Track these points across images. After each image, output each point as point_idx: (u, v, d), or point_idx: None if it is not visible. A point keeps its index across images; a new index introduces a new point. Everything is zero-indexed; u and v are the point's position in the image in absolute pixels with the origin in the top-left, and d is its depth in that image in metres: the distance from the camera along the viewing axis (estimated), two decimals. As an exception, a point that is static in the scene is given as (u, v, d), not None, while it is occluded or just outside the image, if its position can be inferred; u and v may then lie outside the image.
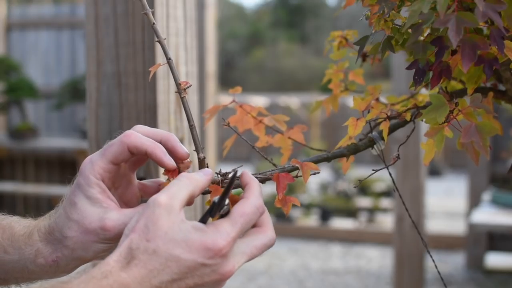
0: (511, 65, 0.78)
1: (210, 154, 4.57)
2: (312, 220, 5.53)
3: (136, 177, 0.81)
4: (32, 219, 0.80)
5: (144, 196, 0.81)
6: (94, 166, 0.73)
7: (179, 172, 0.78)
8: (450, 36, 0.63)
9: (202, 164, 0.77)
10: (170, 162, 0.74)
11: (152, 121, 1.05)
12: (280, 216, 5.45)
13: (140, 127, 0.76)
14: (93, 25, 1.09)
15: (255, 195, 0.69)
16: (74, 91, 4.80)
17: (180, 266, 0.62)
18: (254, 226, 0.71)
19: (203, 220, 0.66)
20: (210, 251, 0.63)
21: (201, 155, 0.77)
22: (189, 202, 0.70)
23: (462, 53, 0.65)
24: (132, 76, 1.07)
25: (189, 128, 0.78)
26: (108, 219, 0.72)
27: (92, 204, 0.73)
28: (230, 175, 0.74)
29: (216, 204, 0.67)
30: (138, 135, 0.74)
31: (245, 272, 4.39)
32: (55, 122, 5.39)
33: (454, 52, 0.72)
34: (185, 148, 0.76)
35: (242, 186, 0.73)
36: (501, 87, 0.86)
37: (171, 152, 0.75)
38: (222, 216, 0.67)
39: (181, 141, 1.09)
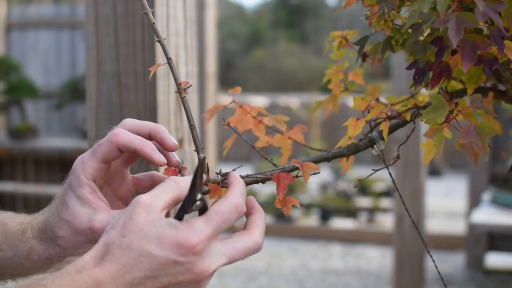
0: (511, 65, 0.78)
1: (210, 154, 4.57)
2: (312, 220, 5.53)
3: (129, 172, 0.81)
4: (25, 215, 0.80)
5: (138, 189, 0.81)
6: (85, 166, 0.74)
7: (180, 173, 0.78)
8: (450, 36, 0.63)
9: (202, 164, 0.77)
10: (160, 158, 0.74)
11: (152, 121, 1.05)
12: (280, 216, 5.45)
13: (129, 121, 0.76)
14: (93, 25, 1.09)
15: (235, 195, 0.67)
16: (74, 91, 4.80)
17: (152, 262, 0.61)
18: (244, 228, 0.69)
19: (178, 217, 0.65)
20: (182, 248, 0.62)
21: (201, 155, 0.76)
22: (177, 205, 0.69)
23: (462, 53, 0.65)
24: (132, 76, 1.07)
25: (189, 128, 0.77)
26: (96, 221, 0.72)
27: (82, 204, 0.73)
28: (197, 165, 0.71)
29: (187, 198, 0.65)
30: (127, 134, 0.74)
31: (245, 272, 4.39)
32: (55, 122, 5.39)
33: (454, 52, 0.72)
34: (174, 139, 0.76)
35: (227, 186, 0.72)
36: (501, 87, 0.86)
37: (160, 143, 0.76)
38: (201, 213, 0.66)
39: (181, 141, 1.09)
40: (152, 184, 0.79)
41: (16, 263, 0.77)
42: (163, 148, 0.76)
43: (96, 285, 0.60)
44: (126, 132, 0.74)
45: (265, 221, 0.70)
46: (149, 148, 0.73)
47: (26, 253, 0.76)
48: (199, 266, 0.63)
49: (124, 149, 0.73)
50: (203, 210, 0.66)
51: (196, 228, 0.63)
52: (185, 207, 0.65)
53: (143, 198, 0.64)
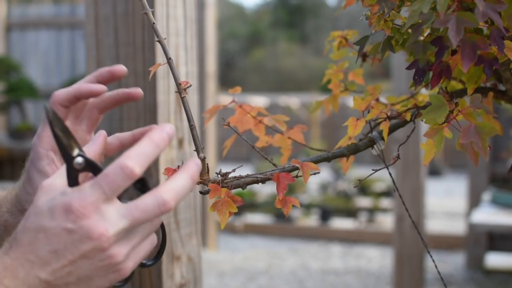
0: (511, 65, 0.78)
1: (210, 154, 4.57)
2: (312, 220, 5.53)
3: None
4: (1, 191, 0.86)
5: (106, 154, 0.81)
6: (40, 138, 0.78)
7: None
8: (450, 36, 0.63)
9: (202, 164, 0.77)
10: (99, 86, 0.78)
11: (152, 121, 1.05)
12: (280, 216, 5.45)
13: (60, 91, 0.81)
14: (93, 25, 1.09)
15: (127, 154, 0.59)
16: (74, 91, 4.79)
17: (48, 236, 0.59)
18: None
19: (70, 183, 0.62)
20: (69, 213, 0.59)
21: (201, 155, 0.77)
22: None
23: (462, 53, 0.65)
24: (132, 76, 1.07)
25: (189, 128, 0.78)
26: None
27: (42, 177, 0.78)
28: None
29: (64, 159, 0.62)
30: (61, 90, 0.79)
31: (245, 272, 4.39)
32: (55, 122, 5.38)
33: (454, 52, 0.72)
34: (123, 66, 0.80)
35: None
36: (501, 87, 0.86)
37: (111, 75, 0.80)
38: (95, 174, 0.61)
39: (181, 141, 1.09)
40: (120, 145, 0.81)
41: None
42: (113, 77, 0.80)
43: (4, 269, 0.59)
44: (61, 90, 0.79)
45: (185, 180, 0.61)
46: (84, 85, 0.78)
47: (2, 227, 0.82)
48: (93, 231, 0.58)
49: (67, 103, 0.79)
50: (96, 170, 0.62)
51: (82, 191, 0.59)
52: (67, 170, 0.62)
53: (45, 181, 0.63)
